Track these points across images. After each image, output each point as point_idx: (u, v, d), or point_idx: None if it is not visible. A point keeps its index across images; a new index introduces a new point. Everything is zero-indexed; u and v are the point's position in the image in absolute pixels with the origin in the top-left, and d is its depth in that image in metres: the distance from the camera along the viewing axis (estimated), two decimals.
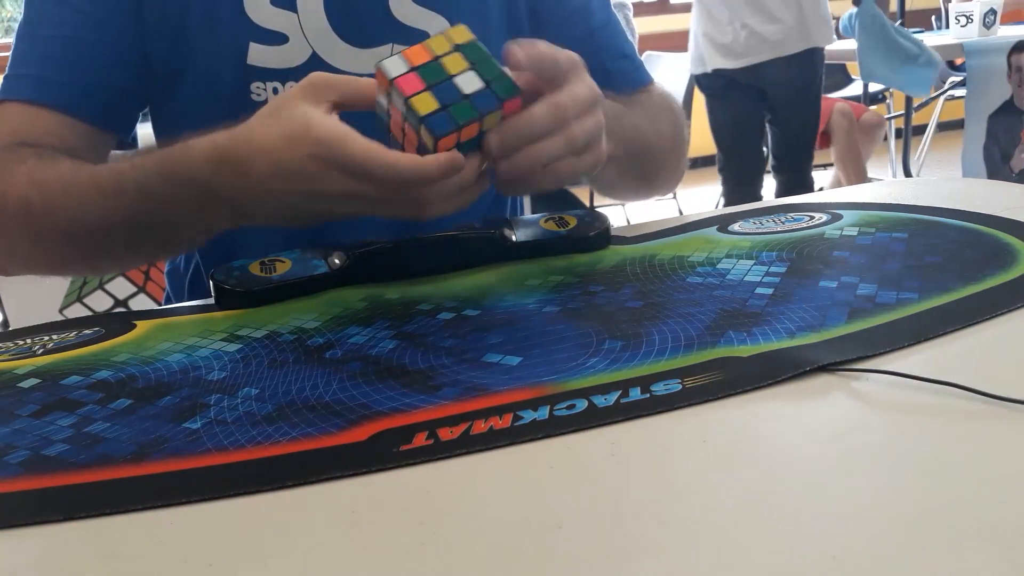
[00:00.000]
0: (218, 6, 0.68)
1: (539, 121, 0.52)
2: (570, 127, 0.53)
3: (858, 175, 3.30)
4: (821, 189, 3.33)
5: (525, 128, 0.52)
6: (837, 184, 3.38)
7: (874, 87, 3.75)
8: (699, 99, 2.92)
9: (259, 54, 0.69)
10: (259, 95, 0.69)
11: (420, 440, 0.38)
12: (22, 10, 0.70)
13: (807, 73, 2.55)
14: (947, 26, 3.31)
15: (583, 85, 0.54)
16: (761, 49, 2.51)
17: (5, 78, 0.68)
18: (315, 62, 0.70)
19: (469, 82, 0.51)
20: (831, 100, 3.35)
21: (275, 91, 0.69)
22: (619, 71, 0.80)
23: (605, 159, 0.60)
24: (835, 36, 2.85)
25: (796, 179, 2.68)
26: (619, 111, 0.67)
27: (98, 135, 0.70)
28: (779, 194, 2.71)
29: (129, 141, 0.74)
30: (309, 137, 0.51)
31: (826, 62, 3.44)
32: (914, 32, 3.33)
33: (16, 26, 0.70)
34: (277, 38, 0.69)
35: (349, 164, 0.50)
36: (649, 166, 0.77)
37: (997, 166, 2.83)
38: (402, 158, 0.50)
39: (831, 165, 3.54)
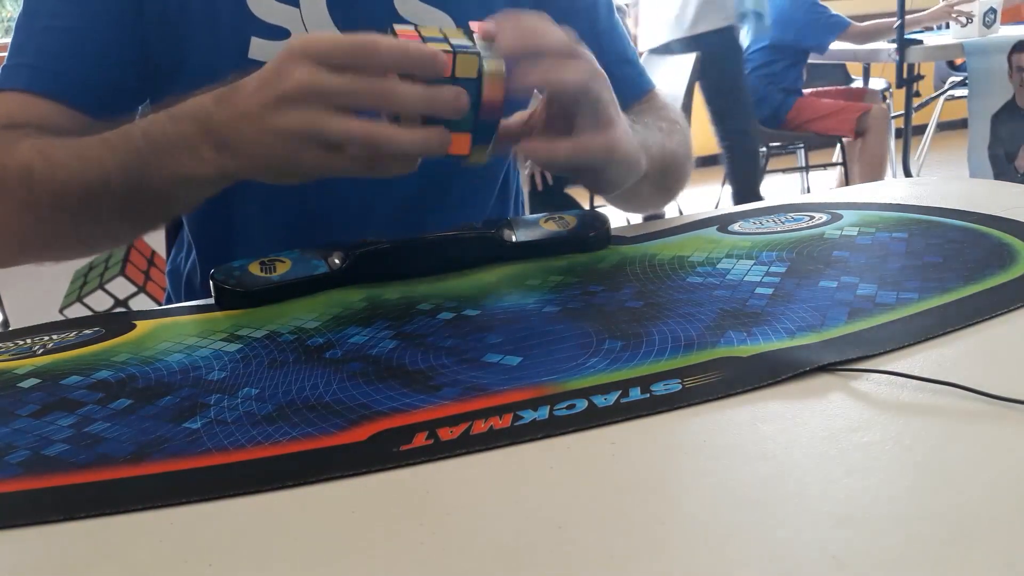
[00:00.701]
0: (219, 0, 0.68)
1: (549, 36, 0.53)
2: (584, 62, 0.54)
3: (878, 177, 3.35)
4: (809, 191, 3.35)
5: (535, 38, 0.53)
6: (843, 183, 3.39)
7: (874, 87, 3.76)
8: (698, 99, 2.93)
9: (260, 49, 0.69)
10: None
11: (420, 440, 0.38)
12: (21, 1, 0.70)
13: (716, 53, 2.96)
14: (947, 26, 3.32)
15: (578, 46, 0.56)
16: (668, 30, 3.02)
17: (3, 68, 0.68)
18: None
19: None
20: (863, 103, 3.37)
21: None
22: (623, 75, 0.80)
23: (643, 171, 0.62)
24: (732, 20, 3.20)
25: (742, 170, 3.10)
26: (646, 132, 0.67)
27: (96, 125, 0.69)
28: (726, 169, 3.12)
29: None
30: (296, 38, 0.52)
31: (826, 62, 3.47)
32: (915, 32, 3.34)
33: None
34: (279, 33, 0.69)
35: (328, 45, 0.51)
36: (672, 179, 0.78)
37: (1003, 166, 2.84)
38: (387, 40, 0.51)
39: (832, 165, 3.54)
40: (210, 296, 0.61)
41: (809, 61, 3.38)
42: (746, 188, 3.06)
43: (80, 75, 0.68)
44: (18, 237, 0.66)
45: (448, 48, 0.51)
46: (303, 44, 0.51)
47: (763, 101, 3.27)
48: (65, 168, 0.60)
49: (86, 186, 0.60)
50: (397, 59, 0.50)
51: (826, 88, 3.50)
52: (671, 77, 2.80)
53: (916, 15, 3.20)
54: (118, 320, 0.59)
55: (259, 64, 0.68)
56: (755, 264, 0.59)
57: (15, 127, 0.65)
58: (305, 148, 0.52)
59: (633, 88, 0.81)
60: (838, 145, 3.44)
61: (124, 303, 1.67)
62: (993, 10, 3.07)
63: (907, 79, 3.13)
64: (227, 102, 0.55)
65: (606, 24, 0.81)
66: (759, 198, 2.97)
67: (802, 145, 3.58)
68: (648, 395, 0.41)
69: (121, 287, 1.68)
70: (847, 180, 3.37)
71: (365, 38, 0.50)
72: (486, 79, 0.51)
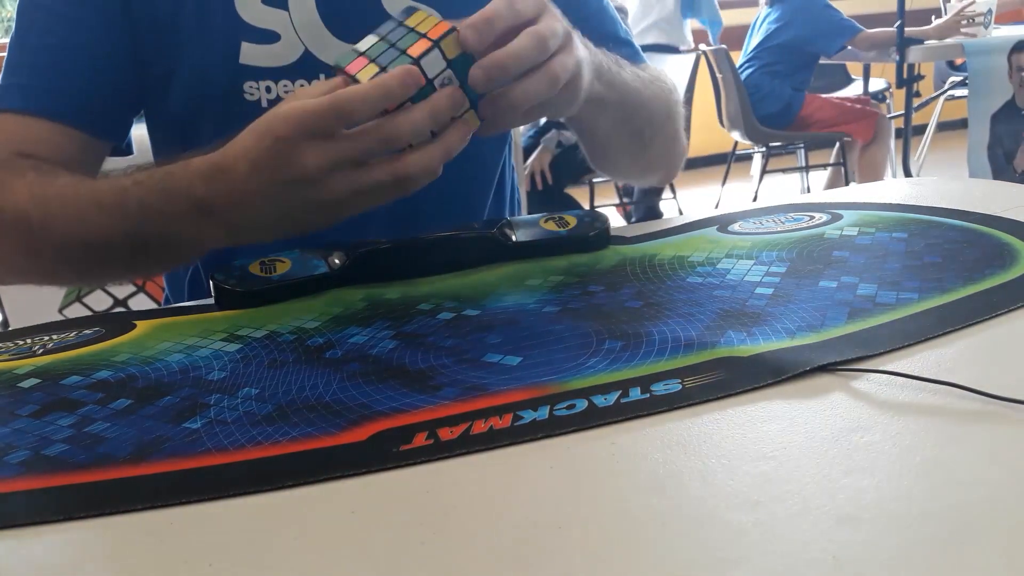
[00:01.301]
0: (209, 6, 0.68)
1: (523, 55, 0.52)
2: (551, 63, 0.54)
3: (880, 177, 3.39)
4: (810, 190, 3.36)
5: (511, 63, 0.52)
6: (833, 184, 3.40)
7: (874, 87, 3.76)
8: (699, 99, 2.93)
9: (251, 53, 0.69)
10: (252, 94, 0.69)
11: (420, 440, 0.38)
12: (14, 19, 0.70)
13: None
14: None
15: (558, 22, 0.55)
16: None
17: None
18: (307, 59, 0.70)
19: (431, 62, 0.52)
20: (872, 107, 3.39)
21: (268, 90, 0.69)
22: (619, 56, 0.80)
23: (583, 93, 0.60)
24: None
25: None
26: (614, 62, 0.67)
27: (92, 142, 0.70)
28: None
29: (124, 147, 0.74)
30: (271, 122, 0.52)
31: (826, 61, 3.48)
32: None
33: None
34: (269, 36, 0.69)
35: (311, 119, 0.50)
36: (643, 125, 0.76)
37: (1002, 166, 2.84)
38: (359, 86, 0.51)
39: (829, 165, 3.54)
40: (210, 296, 0.61)
41: None
42: (647, 208, 3.24)
43: (74, 89, 0.68)
44: (18, 270, 0.67)
45: (404, 58, 0.52)
46: (287, 126, 0.51)
47: (769, 96, 3.27)
48: (64, 224, 0.61)
49: (87, 246, 0.61)
50: (376, 103, 0.51)
51: (828, 95, 3.52)
52: (671, 77, 2.81)
53: (923, 28, 3.20)
54: (118, 320, 0.59)
55: (251, 68, 0.68)
56: (755, 264, 0.59)
57: (17, 156, 0.65)
58: (336, 206, 0.54)
59: None
60: (837, 145, 3.44)
61: (124, 303, 1.67)
62: (990, 11, 3.08)
63: (907, 79, 3.13)
64: (220, 185, 0.55)
65: (595, 7, 0.81)
66: (658, 214, 3.22)
67: (802, 145, 3.58)
68: (648, 395, 0.41)
69: (121, 287, 1.67)
70: (846, 180, 3.37)
71: (336, 99, 0.50)
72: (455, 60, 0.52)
